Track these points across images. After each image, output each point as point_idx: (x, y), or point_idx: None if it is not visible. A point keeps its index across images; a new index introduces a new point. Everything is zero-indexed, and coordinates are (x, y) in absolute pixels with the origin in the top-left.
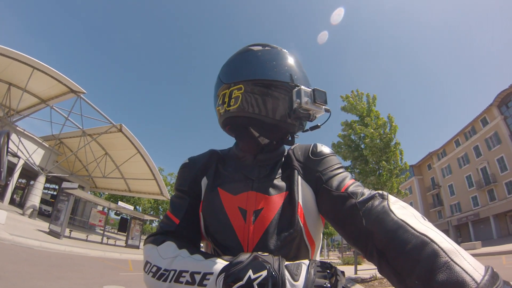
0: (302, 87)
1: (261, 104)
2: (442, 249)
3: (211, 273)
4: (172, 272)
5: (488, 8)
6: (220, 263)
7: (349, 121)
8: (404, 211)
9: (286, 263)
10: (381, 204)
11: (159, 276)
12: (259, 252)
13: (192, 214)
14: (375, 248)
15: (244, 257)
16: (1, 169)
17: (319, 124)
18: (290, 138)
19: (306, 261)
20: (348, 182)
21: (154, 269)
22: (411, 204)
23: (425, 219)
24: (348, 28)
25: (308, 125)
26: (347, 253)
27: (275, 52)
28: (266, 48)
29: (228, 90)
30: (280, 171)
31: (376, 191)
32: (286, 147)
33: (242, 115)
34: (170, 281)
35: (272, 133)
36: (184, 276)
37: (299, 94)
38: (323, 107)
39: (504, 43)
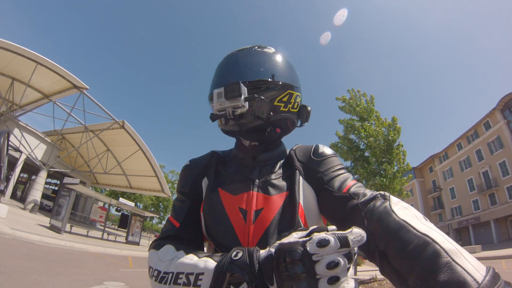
0: (215, 90)
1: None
2: (443, 249)
3: (202, 273)
4: (171, 275)
5: (492, 11)
6: (210, 263)
7: (348, 119)
8: (406, 212)
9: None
10: (383, 205)
11: (160, 279)
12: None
13: (193, 216)
14: (376, 249)
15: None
16: (2, 169)
17: (281, 112)
18: (269, 131)
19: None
20: (350, 183)
21: (155, 273)
22: (411, 206)
23: (426, 220)
24: (351, 29)
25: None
26: None
27: (224, 61)
28: (226, 57)
29: None
30: (281, 171)
31: (378, 192)
32: (287, 148)
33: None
34: (169, 284)
35: (245, 135)
36: (181, 278)
37: (213, 100)
38: (241, 97)
39: (509, 46)
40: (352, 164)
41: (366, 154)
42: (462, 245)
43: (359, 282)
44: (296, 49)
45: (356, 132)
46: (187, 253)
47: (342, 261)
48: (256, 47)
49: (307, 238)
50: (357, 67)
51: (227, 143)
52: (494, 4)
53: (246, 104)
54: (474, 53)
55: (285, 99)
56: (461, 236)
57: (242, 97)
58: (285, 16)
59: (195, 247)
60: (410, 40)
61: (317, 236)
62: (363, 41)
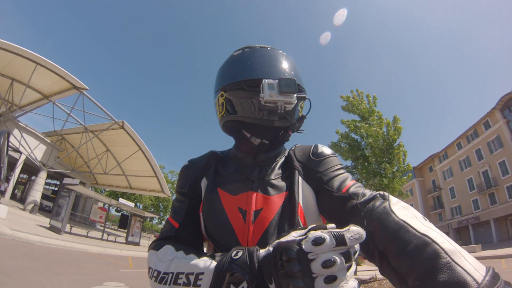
0: (265, 80)
1: (239, 105)
2: (443, 249)
3: (202, 273)
4: (171, 275)
5: (492, 10)
6: (210, 262)
7: (350, 120)
8: (405, 212)
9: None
10: (382, 205)
11: (160, 279)
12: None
13: (192, 216)
14: (376, 249)
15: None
16: (2, 170)
17: (304, 114)
18: (285, 134)
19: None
20: (349, 183)
21: (155, 274)
22: (411, 206)
23: (426, 220)
24: (351, 29)
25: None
26: None
27: (252, 51)
28: (246, 50)
29: (216, 98)
30: (280, 171)
31: (377, 192)
32: (288, 147)
33: (228, 119)
34: (169, 284)
35: (260, 132)
36: (181, 278)
37: (262, 88)
38: (294, 95)
39: (508, 46)
40: (353, 163)
41: (366, 153)
42: (462, 244)
43: (359, 282)
44: (295, 49)
45: (358, 131)
46: (187, 253)
47: (338, 259)
48: (279, 50)
49: (304, 236)
50: (356, 67)
51: (227, 143)
52: (494, 4)
53: (295, 103)
54: (474, 53)
55: (302, 105)
56: (461, 235)
57: (295, 95)
58: (285, 16)
59: (194, 248)
60: (410, 40)
61: (312, 234)
62: (362, 41)
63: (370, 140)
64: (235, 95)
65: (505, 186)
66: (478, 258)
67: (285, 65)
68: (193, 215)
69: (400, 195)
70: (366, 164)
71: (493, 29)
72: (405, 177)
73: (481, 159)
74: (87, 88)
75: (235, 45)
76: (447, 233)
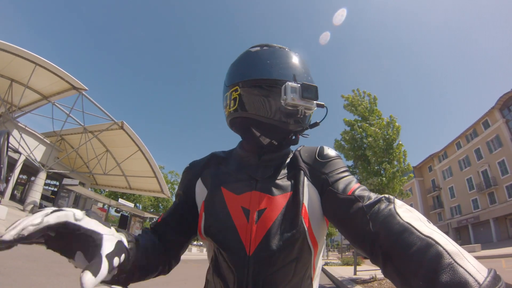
0: (289, 82)
1: (255, 103)
2: (446, 251)
3: None
4: None
5: (491, 10)
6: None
7: (352, 120)
8: (410, 214)
9: None
10: (387, 208)
11: None
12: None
13: (176, 217)
14: (380, 250)
15: None
16: (1, 170)
17: (318, 121)
18: (294, 137)
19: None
20: (354, 185)
21: None
22: (411, 205)
23: (429, 223)
24: (350, 28)
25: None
26: (347, 253)
27: (271, 51)
28: (264, 48)
29: (228, 92)
30: (285, 171)
31: (383, 195)
32: (292, 148)
33: (239, 116)
34: None
35: (271, 132)
36: None
37: (285, 90)
38: (315, 102)
39: (508, 46)
40: (353, 163)
41: (366, 153)
42: (461, 244)
43: (359, 281)
44: (295, 48)
45: (360, 130)
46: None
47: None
48: (296, 53)
49: None
50: (356, 66)
51: (227, 144)
52: (494, 4)
53: (314, 109)
54: (473, 53)
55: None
56: (460, 235)
57: (315, 102)
58: (285, 16)
59: (165, 240)
60: (410, 40)
61: None
62: (362, 41)
63: (369, 139)
64: (251, 92)
65: (505, 185)
66: (477, 257)
67: (305, 70)
68: (177, 216)
69: (401, 195)
70: (366, 164)
71: (493, 29)
72: (405, 177)
73: (481, 158)
74: (87, 88)
75: (234, 45)
76: (447, 233)
